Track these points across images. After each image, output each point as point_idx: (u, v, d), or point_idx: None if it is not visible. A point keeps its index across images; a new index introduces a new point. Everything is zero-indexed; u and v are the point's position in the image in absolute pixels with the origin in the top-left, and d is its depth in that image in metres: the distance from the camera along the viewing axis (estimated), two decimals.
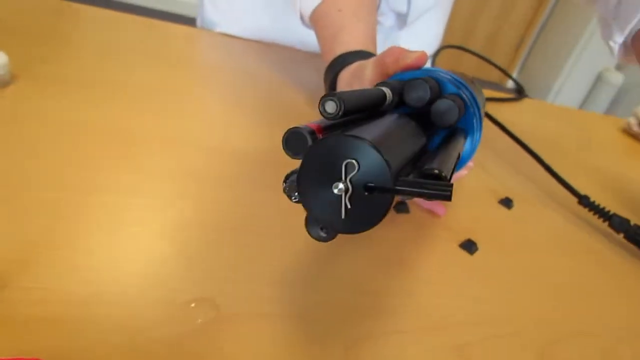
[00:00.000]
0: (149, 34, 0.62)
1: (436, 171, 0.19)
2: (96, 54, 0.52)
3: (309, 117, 0.52)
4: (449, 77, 0.31)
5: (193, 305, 0.28)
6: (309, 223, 0.21)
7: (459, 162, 0.31)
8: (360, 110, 0.22)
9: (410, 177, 0.18)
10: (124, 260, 0.30)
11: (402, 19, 0.70)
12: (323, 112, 0.20)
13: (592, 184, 0.58)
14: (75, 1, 0.62)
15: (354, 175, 0.18)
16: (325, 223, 0.19)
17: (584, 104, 3.07)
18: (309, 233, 0.21)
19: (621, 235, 0.46)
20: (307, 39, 0.72)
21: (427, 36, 0.76)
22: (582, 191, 0.49)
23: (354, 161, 0.18)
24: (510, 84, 3.27)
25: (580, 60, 2.95)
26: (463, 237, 0.40)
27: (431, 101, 0.28)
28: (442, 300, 0.34)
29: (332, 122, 0.21)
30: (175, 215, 0.34)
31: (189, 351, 0.26)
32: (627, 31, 0.51)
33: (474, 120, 0.31)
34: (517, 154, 0.54)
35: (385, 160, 0.17)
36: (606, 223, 0.46)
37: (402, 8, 0.67)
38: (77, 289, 0.27)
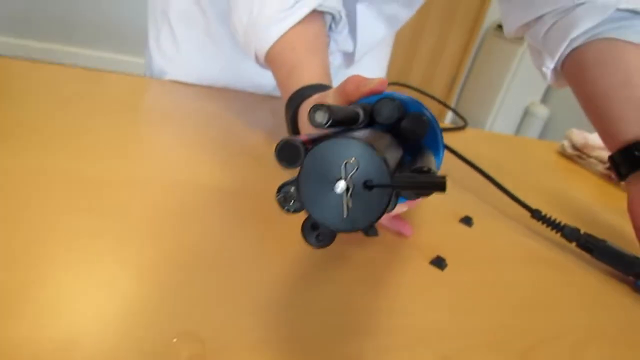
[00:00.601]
0: (96, 85, 0.62)
1: (425, 168, 0.20)
2: (44, 105, 0.51)
3: (268, 156, 0.53)
4: (410, 99, 0.33)
5: (175, 340, 0.27)
6: (306, 231, 0.21)
7: None
8: (340, 124, 0.23)
9: (410, 173, 0.19)
10: (101, 303, 0.28)
11: (349, 58, 0.74)
12: (312, 121, 0.21)
13: (538, 201, 0.62)
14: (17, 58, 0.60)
15: (353, 174, 0.19)
16: (326, 224, 0.20)
17: (516, 134, 3.28)
18: (306, 240, 0.21)
19: (573, 244, 0.49)
20: (262, 81, 0.73)
21: (374, 73, 0.80)
22: (532, 207, 0.52)
23: (353, 160, 0.19)
24: (448, 118, 3.45)
25: (508, 96, 3.17)
26: (432, 255, 0.41)
27: (399, 120, 0.29)
28: (420, 316, 0.34)
29: (319, 134, 0.22)
30: (148, 253, 0.33)
31: None
32: (556, 58, 0.57)
33: (437, 139, 0.33)
34: (468, 177, 0.57)
35: (383, 158, 0.18)
36: (559, 234, 0.49)
37: (349, 47, 0.70)
38: (55, 336, 0.25)
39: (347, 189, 0.19)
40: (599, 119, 0.54)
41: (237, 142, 0.55)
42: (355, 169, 0.19)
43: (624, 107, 0.50)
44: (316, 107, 0.21)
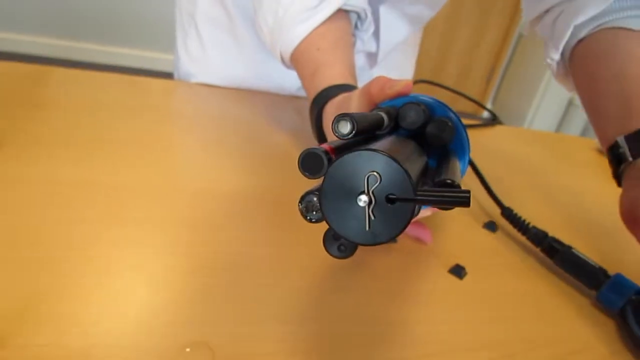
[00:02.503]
0: (126, 90, 0.63)
1: (449, 181, 0.20)
2: (73, 113, 0.53)
3: (293, 158, 0.53)
4: (436, 102, 0.33)
5: (188, 350, 0.28)
6: (327, 241, 0.21)
7: None
8: (365, 132, 0.23)
9: (434, 188, 0.19)
10: (118, 311, 0.29)
11: (372, 58, 0.73)
12: (336, 132, 0.21)
13: (565, 200, 0.60)
14: (49, 64, 0.63)
15: (376, 187, 0.19)
16: (348, 237, 0.20)
17: (558, 129, 3.16)
18: (327, 251, 0.21)
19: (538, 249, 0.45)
20: (284, 83, 0.74)
21: (398, 73, 0.79)
22: (564, 211, 0.50)
23: (375, 173, 0.19)
24: (484, 115, 3.35)
25: (550, 87, 3.06)
26: (451, 263, 0.40)
27: (424, 124, 0.29)
28: (437, 327, 0.34)
29: (343, 142, 0.22)
30: (165, 261, 0.34)
31: None
32: (560, 47, 0.54)
33: (463, 142, 0.32)
34: (497, 179, 0.55)
35: (405, 170, 0.18)
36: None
37: (373, 47, 0.69)
38: (73, 343, 0.27)
39: (370, 203, 0.19)
40: (590, 114, 0.51)
41: (262, 145, 0.56)
42: (378, 182, 0.19)
43: (610, 103, 0.47)
44: (339, 117, 0.21)
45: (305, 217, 0.21)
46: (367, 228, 0.19)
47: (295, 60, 0.52)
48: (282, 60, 0.54)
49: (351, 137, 0.21)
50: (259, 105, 0.67)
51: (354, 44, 0.62)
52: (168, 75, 0.79)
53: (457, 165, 0.27)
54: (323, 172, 0.20)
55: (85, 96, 0.57)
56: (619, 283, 0.39)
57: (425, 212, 0.38)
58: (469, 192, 0.18)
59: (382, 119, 0.27)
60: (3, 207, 0.36)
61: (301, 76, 0.53)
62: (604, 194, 0.66)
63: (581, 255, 0.42)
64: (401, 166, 0.18)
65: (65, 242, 0.34)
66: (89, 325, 0.28)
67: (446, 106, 0.33)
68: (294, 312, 0.32)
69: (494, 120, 0.84)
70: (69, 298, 0.29)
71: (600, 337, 0.37)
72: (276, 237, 0.39)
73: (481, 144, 0.72)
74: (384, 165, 0.18)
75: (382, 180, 0.19)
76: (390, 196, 0.19)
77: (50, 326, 0.27)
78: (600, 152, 0.85)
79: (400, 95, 0.34)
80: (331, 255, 0.22)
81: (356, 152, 0.19)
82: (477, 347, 0.33)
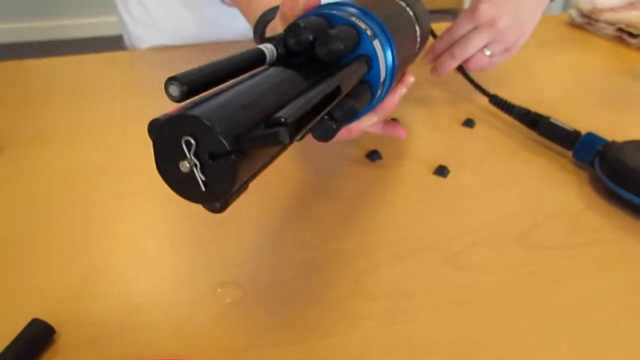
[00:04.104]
0: (103, 69, 0.65)
1: (282, 119, 0.19)
2: (61, 104, 0.55)
3: None
4: (348, 9, 0.32)
5: (219, 290, 0.33)
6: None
7: (385, 79, 0.33)
8: (224, 80, 0.22)
9: (253, 133, 0.19)
10: (153, 275, 0.34)
11: None
12: (169, 96, 0.19)
13: (546, 78, 0.62)
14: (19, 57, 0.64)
15: (196, 148, 0.18)
16: (192, 200, 0.20)
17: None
18: (204, 206, 0.22)
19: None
20: (240, 30, 0.71)
21: None
22: (540, 88, 0.52)
23: (189, 137, 0.18)
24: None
25: None
26: (435, 165, 0.44)
27: (314, 41, 0.27)
28: (424, 224, 0.38)
29: (193, 102, 0.20)
30: (181, 225, 0.38)
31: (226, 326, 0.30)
32: None
33: (375, 42, 0.31)
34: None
35: (217, 130, 0.18)
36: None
37: None
38: (121, 310, 0.31)
39: (195, 165, 0.19)
40: None
41: None
42: (194, 145, 0.18)
43: None
44: (168, 80, 0.19)
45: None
46: (203, 189, 0.19)
47: None
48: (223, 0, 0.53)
49: (186, 98, 0.20)
50: (220, 55, 0.68)
51: None
52: (118, 39, 0.78)
53: (332, 82, 0.25)
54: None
55: (65, 84, 0.59)
56: (590, 140, 0.44)
57: (371, 117, 0.37)
58: (287, 127, 0.18)
59: (260, 53, 0.25)
60: (12, 202, 0.40)
61: (241, 10, 0.52)
62: (575, 66, 0.69)
63: (558, 123, 0.47)
64: (211, 123, 0.18)
65: (84, 222, 0.38)
66: (137, 282, 0.33)
67: (363, 10, 0.32)
68: (294, 235, 0.37)
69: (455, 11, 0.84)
70: (116, 262, 0.34)
71: (578, 190, 0.43)
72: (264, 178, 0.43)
73: None
74: (197, 126, 0.18)
75: (200, 141, 0.18)
76: (211, 153, 0.18)
77: (99, 300, 0.32)
78: (569, 24, 0.86)
79: (308, 10, 0.32)
80: (207, 209, 0.22)
81: (167, 119, 0.19)
82: (462, 234, 0.37)
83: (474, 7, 0.51)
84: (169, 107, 0.19)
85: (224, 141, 0.18)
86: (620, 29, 0.77)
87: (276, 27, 0.40)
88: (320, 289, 0.33)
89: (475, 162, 0.46)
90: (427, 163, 0.45)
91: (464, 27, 0.52)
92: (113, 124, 0.52)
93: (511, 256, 0.36)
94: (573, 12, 0.85)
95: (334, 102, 0.26)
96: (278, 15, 0.37)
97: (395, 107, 0.37)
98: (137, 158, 0.45)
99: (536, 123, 0.48)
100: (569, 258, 0.35)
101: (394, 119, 0.50)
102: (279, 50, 0.27)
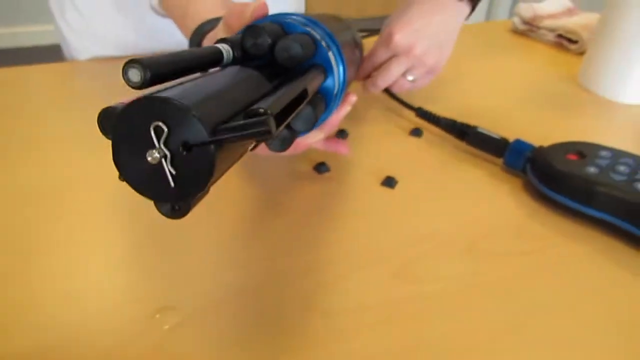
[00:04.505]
0: (47, 80, 0.62)
1: (261, 110, 0.18)
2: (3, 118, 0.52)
3: None
4: (299, 19, 0.32)
5: (158, 316, 0.31)
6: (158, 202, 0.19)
7: (337, 92, 0.32)
8: (183, 73, 0.20)
9: (233, 122, 0.17)
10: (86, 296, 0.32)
11: None
12: (127, 81, 0.17)
13: (489, 83, 0.64)
14: None
15: (167, 138, 0.16)
16: (155, 198, 0.18)
17: (488, 17, 3.18)
18: (160, 212, 0.19)
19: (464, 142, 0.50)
20: (181, 39, 0.71)
21: None
22: (472, 96, 0.53)
23: (160, 123, 0.16)
24: None
25: None
26: (383, 176, 0.44)
27: (274, 46, 0.27)
28: (377, 236, 0.38)
29: (151, 93, 0.18)
30: (127, 242, 0.36)
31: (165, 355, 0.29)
32: None
33: (330, 54, 0.31)
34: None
35: (194, 114, 0.16)
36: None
37: None
38: (46, 345, 0.29)
39: (165, 157, 0.16)
40: None
41: None
42: (166, 132, 0.16)
43: None
44: (128, 64, 0.17)
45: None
46: (172, 184, 0.17)
47: (166, 7, 0.49)
48: (155, 11, 0.51)
49: (146, 86, 0.17)
50: None
51: None
52: (56, 48, 0.75)
53: (300, 84, 0.24)
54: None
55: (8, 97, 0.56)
56: (518, 147, 0.45)
57: (317, 133, 0.37)
58: (269, 117, 0.16)
59: (217, 52, 0.24)
60: None
61: (175, 21, 0.50)
62: (517, 72, 0.70)
63: (485, 132, 0.47)
64: (190, 108, 0.16)
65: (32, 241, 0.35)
66: (59, 326, 0.31)
67: (313, 21, 0.32)
68: (238, 253, 0.36)
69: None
70: (34, 304, 0.32)
71: (509, 194, 0.44)
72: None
73: None
74: (171, 111, 0.16)
75: (172, 128, 0.16)
76: (186, 143, 0.16)
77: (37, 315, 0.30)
78: (513, 32, 0.88)
79: (257, 19, 0.32)
80: (165, 215, 0.19)
81: (135, 102, 0.16)
82: (412, 244, 0.37)
83: (388, 37, 0.49)
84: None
85: (202, 128, 0.16)
86: (560, 35, 0.79)
87: (217, 38, 0.38)
88: (270, 308, 0.32)
89: (423, 172, 0.46)
90: (375, 174, 0.45)
91: (381, 55, 0.51)
92: (49, 140, 0.49)
93: (462, 266, 0.36)
94: (516, 20, 0.87)
95: (301, 106, 0.24)
96: (221, 26, 0.36)
97: (338, 125, 0.37)
98: (73, 178, 0.42)
99: (464, 133, 0.48)
100: (518, 265, 0.36)
101: (342, 130, 0.50)
102: (235, 53, 0.25)
